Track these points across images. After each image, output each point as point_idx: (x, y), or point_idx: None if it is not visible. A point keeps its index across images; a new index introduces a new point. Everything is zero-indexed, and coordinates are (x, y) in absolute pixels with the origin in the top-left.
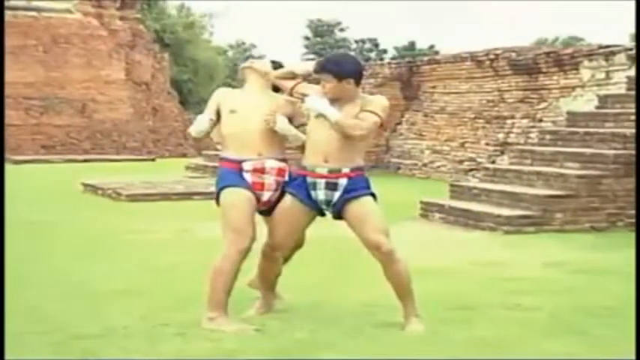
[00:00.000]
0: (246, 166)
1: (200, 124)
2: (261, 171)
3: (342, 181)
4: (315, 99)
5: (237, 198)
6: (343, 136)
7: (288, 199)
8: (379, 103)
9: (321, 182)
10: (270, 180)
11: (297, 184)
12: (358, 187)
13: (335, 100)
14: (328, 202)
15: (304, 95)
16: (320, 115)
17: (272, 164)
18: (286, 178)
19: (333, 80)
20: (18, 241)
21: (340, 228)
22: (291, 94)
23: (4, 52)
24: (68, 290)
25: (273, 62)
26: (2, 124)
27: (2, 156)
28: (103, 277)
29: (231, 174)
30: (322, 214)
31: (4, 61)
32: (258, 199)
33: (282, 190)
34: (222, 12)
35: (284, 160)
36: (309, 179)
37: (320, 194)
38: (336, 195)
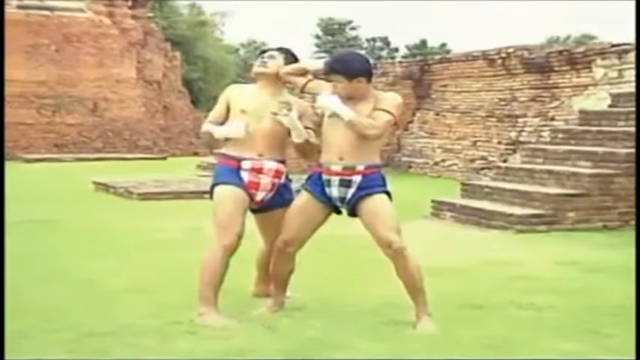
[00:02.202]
0: (245, 164)
1: (236, 131)
2: (258, 171)
3: (356, 179)
4: (328, 97)
5: (227, 195)
6: (357, 134)
7: (304, 195)
8: (392, 100)
9: (335, 179)
10: (266, 180)
11: (313, 180)
12: (372, 184)
13: (348, 99)
14: (342, 199)
15: (316, 94)
16: (333, 114)
17: (270, 165)
18: (282, 179)
19: (344, 80)
20: (29, 239)
21: (352, 226)
22: (302, 91)
23: (4, 52)
24: (79, 288)
25: (286, 52)
26: (2, 124)
27: (2, 156)
28: (114, 275)
29: (227, 171)
30: (338, 212)
31: (4, 61)
32: (251, 198)
33: (276, 191)
34: (233, 10)
35: (283, 162)
36: (325, 176)
37: (334, 191)
38: (350, 192)
